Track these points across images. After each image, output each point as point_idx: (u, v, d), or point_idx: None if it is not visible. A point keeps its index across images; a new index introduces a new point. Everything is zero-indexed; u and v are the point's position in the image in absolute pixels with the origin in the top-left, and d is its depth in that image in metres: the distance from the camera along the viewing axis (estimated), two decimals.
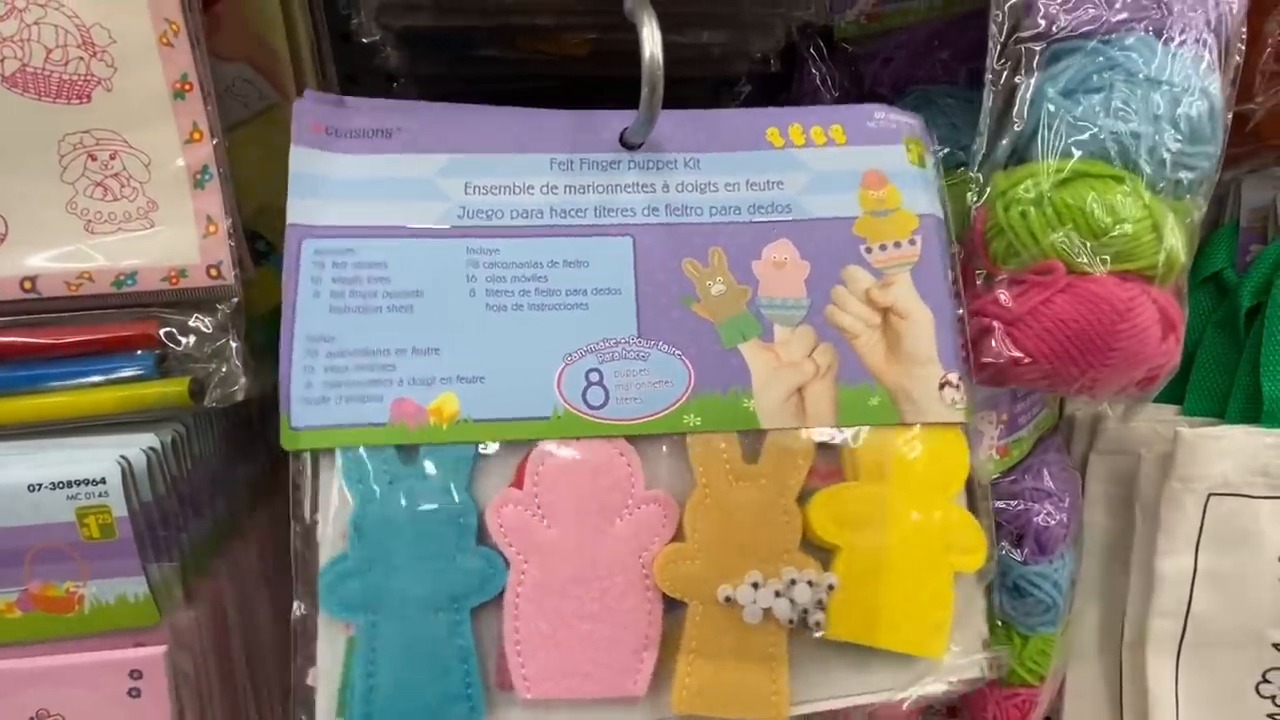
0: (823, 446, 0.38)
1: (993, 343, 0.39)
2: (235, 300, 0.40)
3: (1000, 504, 0.49)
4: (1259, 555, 0.49)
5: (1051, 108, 0.38)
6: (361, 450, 0.36)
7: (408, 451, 0.36)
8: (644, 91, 0.37)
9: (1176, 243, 0.38)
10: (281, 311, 0.37)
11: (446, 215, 0.39)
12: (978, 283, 0.40)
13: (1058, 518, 0.49)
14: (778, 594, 0.36)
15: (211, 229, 0.40)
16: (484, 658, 0.36)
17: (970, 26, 0.51)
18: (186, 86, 0.39)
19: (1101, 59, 0.38)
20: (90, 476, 0.37)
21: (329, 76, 0.51)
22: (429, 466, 0.36)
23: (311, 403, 0.36)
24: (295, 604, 0.36)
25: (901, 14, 0.53)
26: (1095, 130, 0.37)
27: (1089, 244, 0.37)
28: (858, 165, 0.41)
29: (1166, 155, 0.37)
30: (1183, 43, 0.38)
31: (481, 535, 0.36)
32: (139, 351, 0.40)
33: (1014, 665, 0.51)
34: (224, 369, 0.41)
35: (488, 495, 0.36)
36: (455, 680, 0.35)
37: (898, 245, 0.40)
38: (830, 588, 0.36)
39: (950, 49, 0.51)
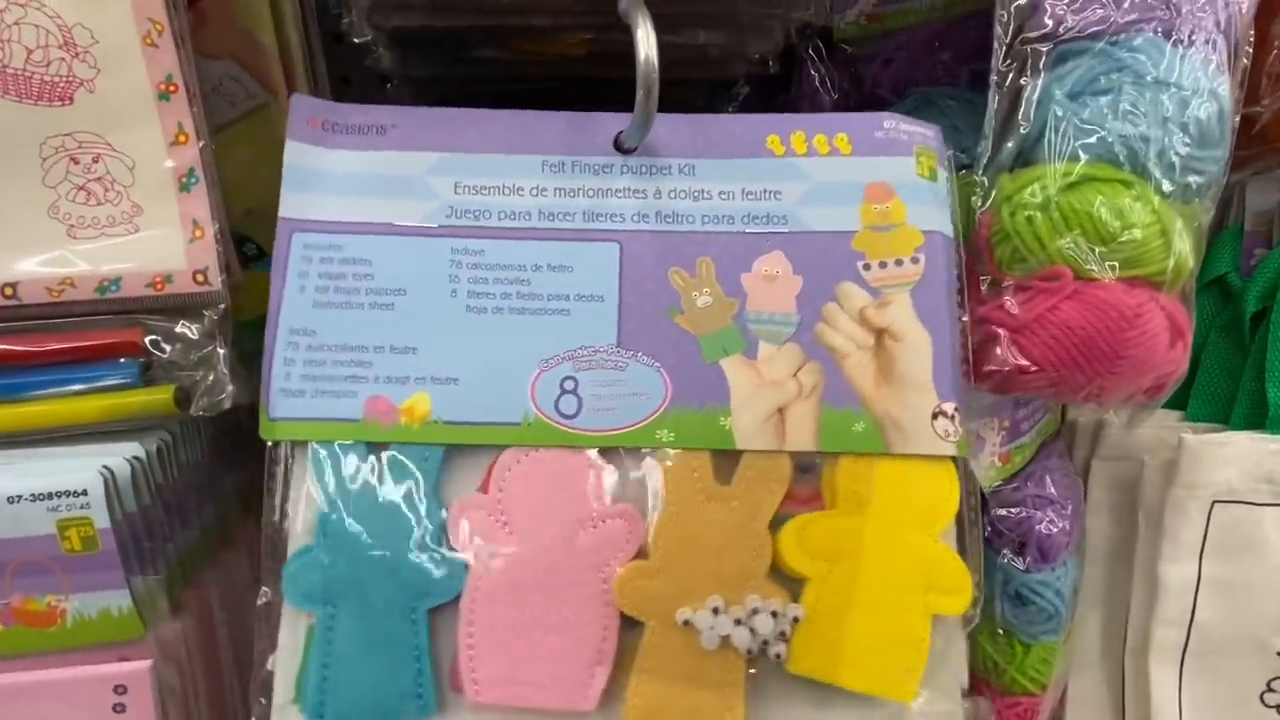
0: (804, 470, 0.37)
1: (998, 350, 0.37)
2: (222, 306, 0.39)
3: (1002, 511, 0.47)
4: (1264, 563, 0.48)
5: (1059, 110, 0.36)
6: (333, 445, 0.36)
7: (378, 448, 0.36)
8: (638, 95, 0.36)
9: (1185, 248, 0.37)
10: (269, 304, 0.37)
11: (434, 214, 0.38)
12: (982, 289, 0.39)
13: (1060, 525, 0.48)
14: (738, 622, 0.34)
15: (198, 233, 0.38)
16: (440, 658, 0.35)
17: (972, 27, 0.49)
18: (171, 88, 0.38)
19: (1109, 60, 0.36)
20: (71, 488, 0.36)
21: (320, 75, 0.49)
22: (397, 465, 0.36)
23: (289, 394, 0.36)
24: (262, 589, 0.36)
25: (902, 15, 0.51)
26: (1103, 133, 0.36)
27: (1097, 250, 0.36)
28: (861, 177, 0.39)
29: (1175, 159, 0.36)
30: (1192, 44, 0.37)
31: (445, 537, 0.35)
32: (123, 359, 0.39)
33: (1015, 674, 0.50)
34: (211, 376, 0.39)
35: (455, 496, 0.36)
36: (408, 678, 0.34)
37: (899, 263, 0.38)
38: (795, 620, 0.35)
39: (952, 50, 0.50)
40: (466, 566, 0.35)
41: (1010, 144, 0.38)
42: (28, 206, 0.38)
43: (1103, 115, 0.36)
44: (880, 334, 0.37)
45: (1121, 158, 0.36)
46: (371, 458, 0.36)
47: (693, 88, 0.58)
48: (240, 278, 0.41)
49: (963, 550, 0.37)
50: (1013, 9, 0.38)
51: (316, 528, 0.35)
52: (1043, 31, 0.37)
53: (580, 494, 0.36)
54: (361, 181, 0.38)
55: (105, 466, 0.37)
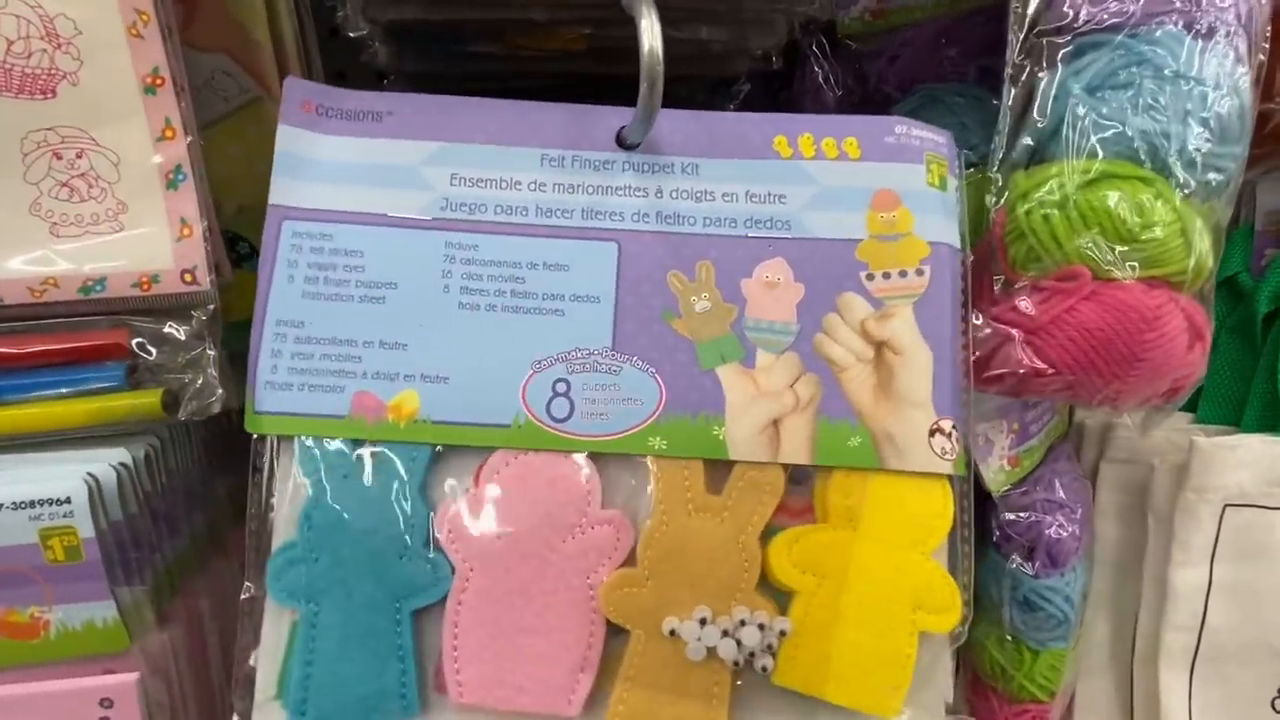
0: (797, 481, 0.36)
1: (1013, 353, 0.36)
2: (212, 307, 0.38)
3: (1011, 516, 0.46)
4: (1276, 568, 0.47)
5: (1078, 105, 0.35)
6: (319, 441, 0.35)
7: (365, 445, 0.35)
8: (642, 88, 0.34)
9: (1205, 248, 0.36)
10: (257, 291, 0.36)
11: (429, 206, 0.37)
12: (995, 289, 0.37)
13: (1070, 529, 0.46)
14: (725, 633, 0.34)
15: (186, 231, 0.37)
16: (425, 658, 0.35)
17: (979, 23, 0.48)
18: (158, 81, 0.36)
19: (1129, 53, 0.35)
20: (54, 496, 0.35)
21: (314, 70, 0.48)
22: (383, 464, 0.35)
23: (275, 388, 0.35)
24: (245, 584, 0.35)
25: (907, 10, 0.50)
26: (1123, 129, 0.34)
27: (1117, 249, 0.34)
28: (869, 183, 0.37)
29: (1197, 155, 0.34)
30: (1213, 37, 0.35)
31: (431, 537, 0.35)
32: (108, 362, 0.37)
33: (1024, 681, 0.48)
34: (200, 380, 0.38)
35: (442, 497, 0.35)
36: (392, 677, 0.34)
37: (903, 274, 0.36)
38: (782, 633, 0.34)
39: (959, 46, 0.49)
40: (452, 568, 0.34)
41: (1024, 140, 0.37)
42: (8, 204, 0.36)
43: (1123, 110, 0.34)
44: (880, 347, 0.36)
45: (1142, 154, 0.35)
46: (358, 454, 0.35)
47: (693, 85, 0.56)
48: (231, 278, 0.40)
49: (953, 568, 0.36)
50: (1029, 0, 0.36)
51: (300, 523, 0.34)
52: (1060, 23, 0.36)
53: (569, 499, 0.35)
54: (355, 170, 0.37)
55: (90, 474, 0.35)
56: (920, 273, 0.36)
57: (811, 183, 0.37)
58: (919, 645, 0.35)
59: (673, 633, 0.34)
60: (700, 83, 0.57)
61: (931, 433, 0.35)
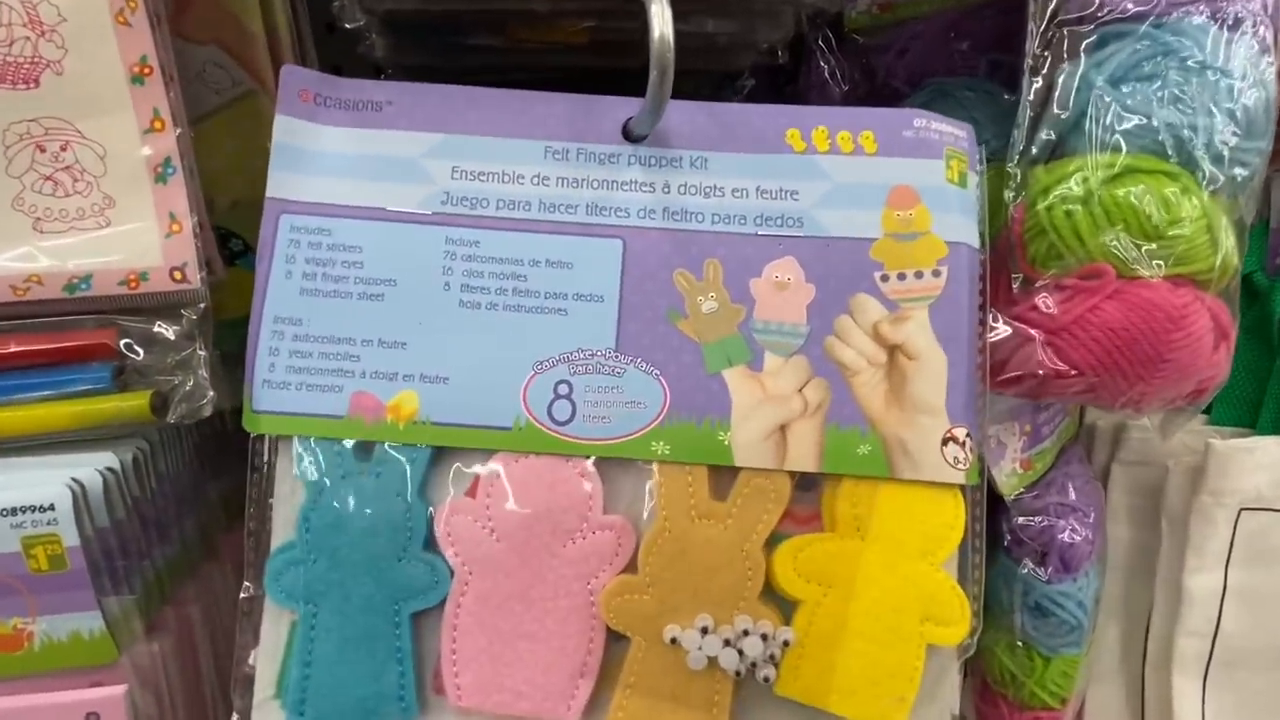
0: (805, 488, 0.35)
1: (1033, 354, 0.34)
2: (203, 306, 0.36)
3: (1023, 520, 0.45)
4: None
5: (1102, 97, 0.33)
6: (316, 441, 0.34)
7: (363, 447, 0.34)
8: (652, 75, 0.33)
9: (1230, 245, 0.34)
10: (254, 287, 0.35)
11: (429, 200, 0.36)
12: (1013, 288, 0.36)
13: (1083, 534, 0.45)
14: (727, 643, 0.33)
15: (175, 227, 0.35)
16: (425, 660, 0.34)
17: (989, 15, 0.46)
18: (146, 70, 0.35)
19: (1154, 44, 0.33)
20: (37, 502, 0.33)
21: (310, 62, 0.46)
22: (382, 465, 0.34)
23: (273, 386, 0.34)
24: (245, 584, 0.35)
25: (916, 3, 0.48)
26: (1149, 122, 0.33)
27: (1143, 247, 0.33)
28: (886, 179, 0.35)
29: (1224, 150, 0.33)
30: (1239, 28, 0.34)
31: (431, 540, 0.34)
32: (94, 363, 0.36)
33: (1035, 687, 0.47)
34: (190, 381, 0.36)
35: (442, 499, 0.34)
36: (390, 680, 0.33)
37: (919, 275, 0.35)
38: (785, 643, 0.33)
39: (969, 39, 0.47)
40: (451, 571, 0.34)
41: (1043, 133, 0.35)
42: None
43: (1149, 102, 0.33)
44: (894, 351, 0.35)
45: (1168, 148, 0.33)
46: (356, 455, 0.34)
47: (697, 79, 0.55)
48: (223, 275, 0.39)
49: (964, 578, 0.35)
50: None
51: (299, 524, 0.34)
52: (1082, 13, 0.34)
53: (570, 503, 0.34)
54: (354, 162, 0.36)
55: (74, 479, 0.34)
56: (937, 274, 0.35)
57: (825, 178, 0.36)
58: (926, 657, 0.34)
59: (674, 641, 0.33)
60: (704, 78, 0.55)
61: (944, 441, 0.34)
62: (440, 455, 0.34)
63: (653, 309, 0.35)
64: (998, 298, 0.36)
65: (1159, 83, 0.33)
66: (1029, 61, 0.35)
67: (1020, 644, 0.46)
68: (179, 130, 0.35)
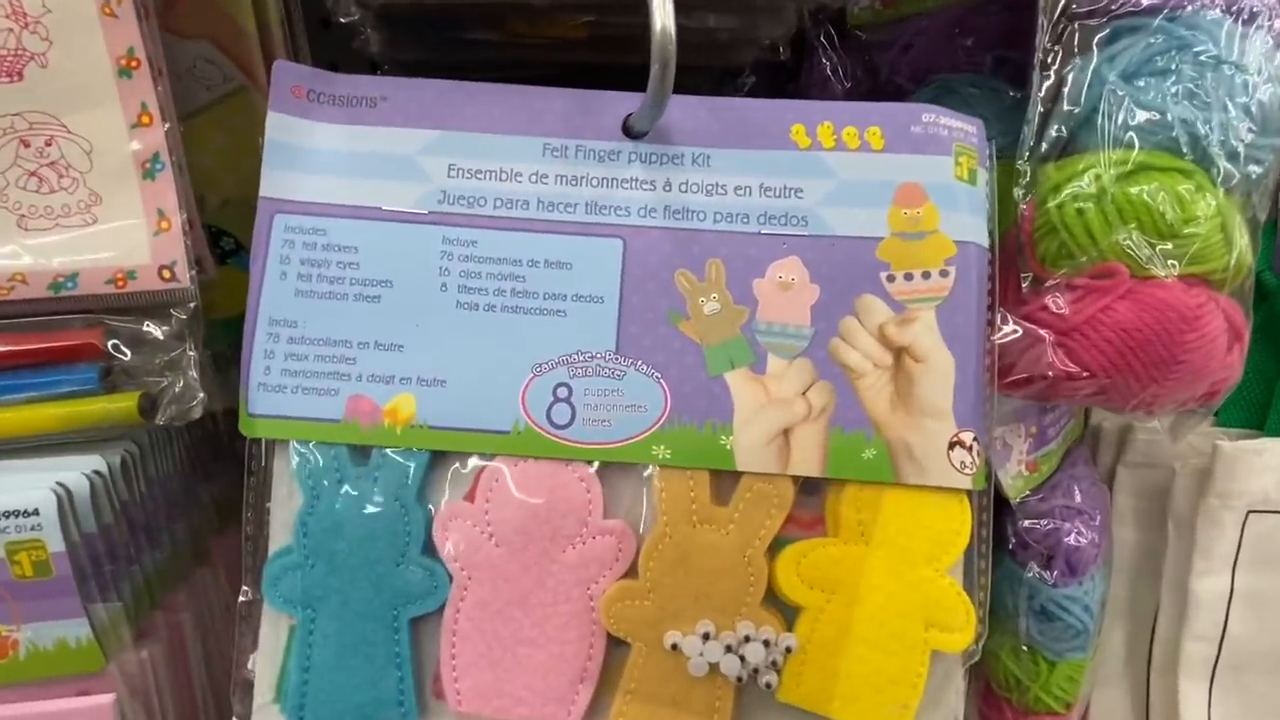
0: (809, 491, 0.34)
1: (1043, 355, 0.33)
2: (193, 305, 0.35)
3: (1028, 523, 0.44)
4: None
5: (1118, 92, 0.32)
6: (313, 445, 0.34)
7: (360, 450, 0.34)
8: (653, 69, 0.31)
9: (1244, 244, 0.33)
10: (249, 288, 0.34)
11: (425, 199, 0.35)
12: (1022, 288, 0.35)
13: (1089, 537, 0.44)
14: (728, 649, 0.33)
15: (164, 225, 0.34)
16: (424, 665, 0.34)
17: (994, 11, 0.46)
18: (133, 63, 0.34)
19: (1168, 38, 0.32)
20: (20, 507, 0.32)
21: (303, 57, 0.45)
22: (379, 470, 0.34)
23: (269, 390, 0.34)
24: (243, 588, 0.34)
25: None
26: (1163, 118, 0.32)
27: (1157, 245, 0.31)
28: (893, 176, 0.34)
29: (1239, 146, 0.32)
30: (1254, 22, 0.33)
31: (429, 544, 0.34)
32: (81, 363, 0.35)
33: (1040, 692, 0.46)
34: (180, 383, 0.35)
35: (440, 503, 0.34)
36: (389, 685, 0.33)
37: (926, 276, 0.34)
38: (788, 649, 0.33)
39: (974, 35, 0.46)
40: (450, 576, 0.33)
41: (1053, 130, 0.34)
42: None
43: (1163, 98, 0.32)
44: (900, 353, 0.34)
45: (1183, 144, 0.32)
46: (354, 459, 0.34)
47: (698, 76, 0.54)
48: (213, 274, 0.38)
49: (969, 584, 0.34)
50: None
51: (296, 528, 0.33)
52: (1093, 6, 0.33)
53: (570, 508, 0.34)
54: (348, 159, 0.35)
55: (59, 483, 0.33)
56: (945, 274, 0.34)
57: (830, 175, 0.35)
58: (930, 664, 0.33)
59: (675, 647, 0.33)
60: (705, 75, 0.54)
61: (951, 445, 0.33)
62: (438, 459, 0.34)
63: (654, 310, 0.34)
64: (1005, 298, 0.35)
65: (1173, 78, 0.32)
66: (1039, 56, 0.34)
67: (1025, 648, 0.45)
68: (168, 125, 0.34)
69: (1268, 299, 0.47)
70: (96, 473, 0.34)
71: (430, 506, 0.34)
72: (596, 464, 0.34)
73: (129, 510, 0.36)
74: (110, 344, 0.35)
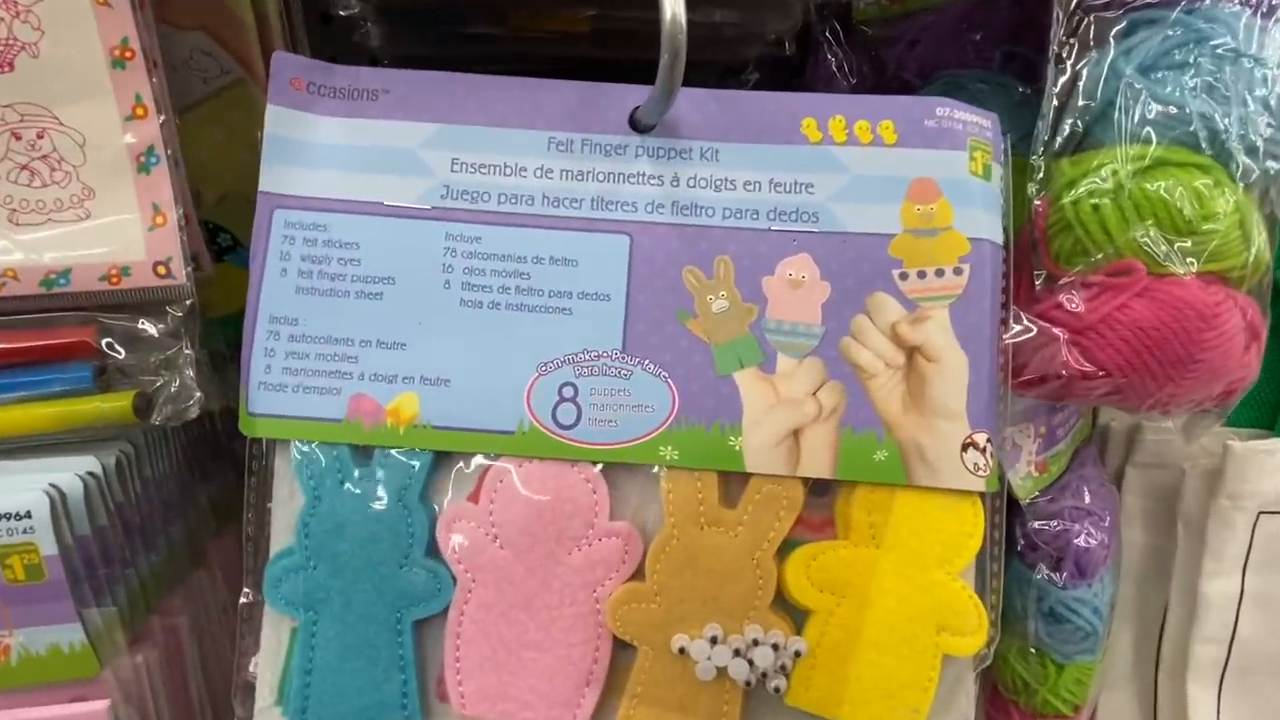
0: (819, 493, 0.34)
1: (1058, 354, 0.32)
2: (189, 302, 0.35)
3: (1038, 524, 0.43)
4: None
5: (1135, 85, 0.31)
6: (315, 445, 0.33)
7: (363, 451, 0.33)
8: (663, 60, 0.31)
9: (1263, 241, 0.32)
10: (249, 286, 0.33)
11: (428, 194, 0.34)
12: (1036, 285, 0.34)
13: (1099, 538, 0.43)
14: (737, 652, 0.32)
15: (159, 220, 0.34)
16: (428, 668, 0.34)
17: (1003, 5, 0.45)
18: (127, 54, 0.33)
19: (1187, 31, 0.32)
20: (12, 510, 0.32)
21: (302, 50, 0.45)
22: (382, 470, 0.33)
23: (270, 389, 0.33)
24: (244, 589, 0.34)
25: None
26: (1181, 112, 0.31)
27: (1175, 242, 0.31)
28: (906, 171, 0.33)
29: (1259, 141, 0.31)
30: (1273, 15, 0.32)
31: (433, 546, 0.33)
32: (74, 362, 0.34)
33: (1048, 695, 0.45)
34: (176, 381, 0.35)
35: (444, 504, 0.33)
36: (393, 688, 0.33)
37: (940, 273, 0.33)
38: (797, 654, 0.33)
39: (982, 30, 0.45)
40: (454, 579, 0.33)
41: (1067, 124, 0.33)
42: None
43: (1182, 92, 0.31)
44: (912, 353, 0.33)
45: (1201, 139, 0.31)
46: (356, 459, 0.33)
47: (702, 71, 0.53)
48: (210, 270, 0.37)
49: (981, 587, 0.34)
50: None
51: (297, 529, 0.33)
52: None
53: (575, 510, 0.33)
54: (349, 153, 0.34)
55: (52, 484, 0.32)
56: (959, 272, 0.33)
57: (842, 170, 0.34)
58: (941, 668, 0.33)
59: (682, 650, 0.32)
60: (708, 70, 0.53)
61: (964, 447, 0.33)
62: (442, 458, 0.33)
63: (661, 308, 0.33)
64: (1018, 295, 0.35)
65: (1191, 71, 0.31)
66: (1054, 49, 0.33)
67: (1033, 650, 0.44)
68: (163, 117, 0.33)
69: (1278, 299, 0.47)
70: (90, 474, 0.34)
71: (434, 507, 0.33)
72: (602, 465, 0.33)
73: (124, 512, 0.36)
74: (104, 342, 0.34)
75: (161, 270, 0.33)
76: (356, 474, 0.33)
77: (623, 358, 0.33)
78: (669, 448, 0.33)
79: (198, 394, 0.34)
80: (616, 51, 0.43)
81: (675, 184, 0.34)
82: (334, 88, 0.34)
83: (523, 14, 0.44)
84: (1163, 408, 0.34)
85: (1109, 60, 0.32)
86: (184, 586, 0.40)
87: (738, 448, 0.33)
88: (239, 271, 0.35)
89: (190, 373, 0.34)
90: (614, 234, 0.34)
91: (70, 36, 0.32)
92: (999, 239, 0.34)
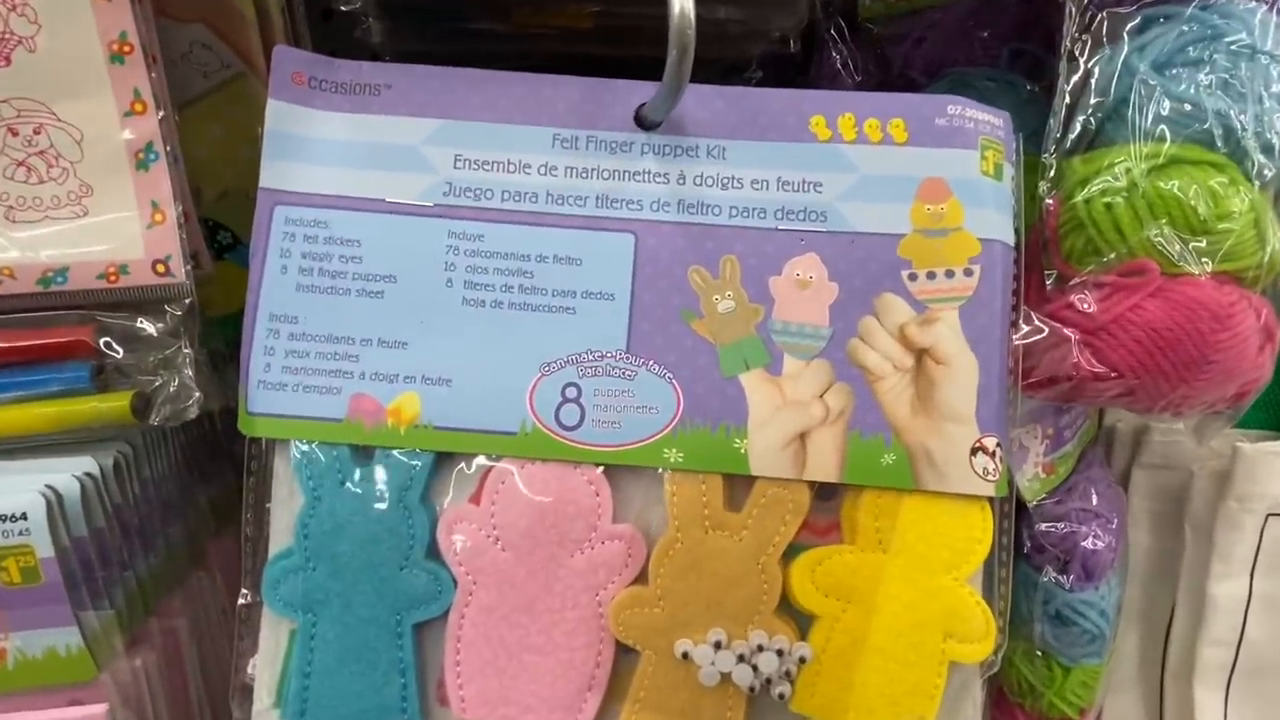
0: (825, 497, 0.33)
1: (1069, 355, 0.32)
2: (188, 301, 0.34)
3: (1044, 526, 0.42)
4: None
5: (1149, 82, 0.31)
6: (315, 445, 0.33)
7: (363, 451, 0.33)
8: (670, 55, 0.30)
9: (1277, 241, 0.32)
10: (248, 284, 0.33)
11: (431, 191, 0.33)
12: (1046, 285, 0.33)
13: (1106, 540, 0.43)
14: (741, 658, 0.32)
15: (158, 217, 0.33)
16: (428, 670, 0.33)
17: (1011, 2, 0.45)
18: (126, 48, 0.32)
19: (1201, 27, 0.31)
20: (8, 511, 0.31)
21: (304, 45, 0.44)
22: (382, 471, 0.33)
23: (269, 388, 0.33)
24: (242, 590, 0.34)
25: None
26: (1196, 109, 0.31)
27: (1189, 242, 0.30)
28: (916, 170, 0.33)
29: (1275, 139, 0.31)
30: None
31: (433, 548, 0.33)
32: (72, 361, 0.33)
33: (1054, 698, 0.45)
34: (175, 381, 0.34)
35: (445, 506, 0.33)
36: (392, 691, 0.32)
37: (949, 274, 0.33)
38: (802, 660, 0.32)
39: (989, 28, 0.45)
40: (455, 581, 0.33)
41: (1078, 122, 0.33)
42: None
43: (1197, 89, 0.30)
44: (921, 355, 0.33)
45: (1217, 137, 0.31)
46: (356, 459, 0.33)
47: (706, 69, 0.52)
48: (210, 269, 0.36)
49: (989, 593, 0.33)
50: None
51: (296, 530, 0.33)
52: None
53: (578, 512, 0.33)
54: (351, 150, 0.34)
55: (49, 486, 0.32)
56: (969, 273, 0.32)
57: (851, 169, 0.33)
58: (947, 675, 0.33)
59: (685, 655, 0.32)
60: (712, 67, 0.53)
61: (973, 451, 0.32)
62: (443, 460, 0.33)
63: (666, 308, 0.33)
64: (1028, 296, 0.34)
65: (1206, 68, 0.31)
66: (1066, 46, 0.32)
67: (1039, 653, 0.44)
68: (162, 113, 0.33)
69: None
70: (88, 474, 0.33)
71: (435, 509, 0.33)
72: (605, 466, 0.33)
73: (122, 513, 0.35)
74: (102, 341, 0.34)
75: (160, 268, 0.33)
76: (357, 474, 0.32)
77: (627, 358, 0.33)
78: (673, 450, 0.32)
79: (197, 394, 0.34)
80: (620, 48, 0.43)
81: (681, 182, 0.34)
82: (336, 83, 0.34)
83: (526, 9, 0.43)
84: (1175, 409, 0.33)
85: (1122, 57, 0.32)
86: (183, 588, 0.40)
87: (743, 450, 0.32)
88: (239, 270, 0.34)
89: (189, 372, 0.34)
90: (619, 232, 0.33)
91: (68, 31, 0.31)
92: (1010, 240, 0.33)
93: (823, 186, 0.33)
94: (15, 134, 0.32)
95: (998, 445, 0.32)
